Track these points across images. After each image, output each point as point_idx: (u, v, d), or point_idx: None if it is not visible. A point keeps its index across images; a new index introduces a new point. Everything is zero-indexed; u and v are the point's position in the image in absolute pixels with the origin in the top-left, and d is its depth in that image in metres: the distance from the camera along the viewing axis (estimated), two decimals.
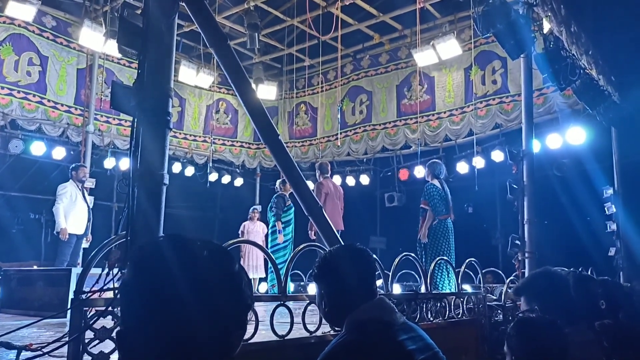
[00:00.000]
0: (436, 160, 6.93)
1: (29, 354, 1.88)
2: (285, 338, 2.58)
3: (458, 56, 9.62)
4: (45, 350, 1.88)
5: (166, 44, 2.02)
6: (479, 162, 9.51)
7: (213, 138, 11.69)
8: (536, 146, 6.30)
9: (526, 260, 5.09)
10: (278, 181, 7.62)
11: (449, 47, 9.33)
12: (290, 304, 2.70)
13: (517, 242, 5.17)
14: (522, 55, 5.51)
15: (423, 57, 9.70)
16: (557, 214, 8.43)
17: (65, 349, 1.90)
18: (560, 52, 5.31)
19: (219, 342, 0.91)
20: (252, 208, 9.34)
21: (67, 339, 1.90)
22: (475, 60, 9.67)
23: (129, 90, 2.01)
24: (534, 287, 2.48)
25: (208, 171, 11.37)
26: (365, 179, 11.27)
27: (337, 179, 10.61)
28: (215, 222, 12.55)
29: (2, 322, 4.18)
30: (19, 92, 8.79)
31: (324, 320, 2.73)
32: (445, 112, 10.17)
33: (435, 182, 6.15)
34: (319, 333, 2.75)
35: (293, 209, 7.17)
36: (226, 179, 11.87)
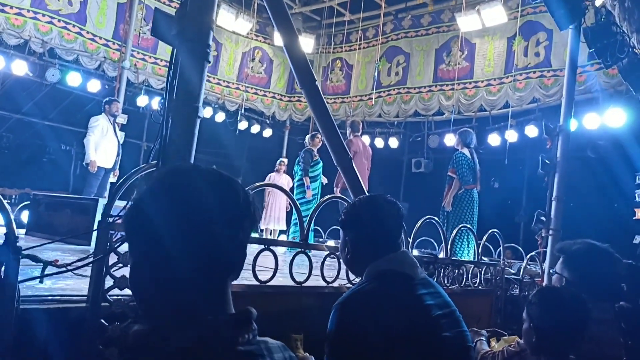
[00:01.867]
0: (468, 129, 6.78)
1: (53, 270, 1.92)
2: (303, 285, 2.61)
3: (502, 24, 9.31)
4: (69, 267, 1.93)
5: None
6: (511, 135, 9.31)
7: (246, 86, 11.65)
8: (573, 125, 6.10)
9: (550, 238, 5.01)
10: (307, 135, 7.59)
11: (495, 14, 9.02)
12: (310, 255, 2.72)
13: (543, 218, 5.08)
14: (570, 27, 5.27)
15: (466, 22, 9.42)
16: (586, 196, 8.24)
17: (89, 270, 1.95)
18: (611, 27, 5.07)
19: (227, 259, 0.95)
20: (279, 160, 9.37)
21: (91, 259, 1.94)
22: (520, 30, 9.33)
23: (170, 18, 1.98)
24: (575, 256, 2.44)
25: (238, 119, 11.40)
26: (394, 142, 11.15)
27: (366, 139, 10.54)
28: (241, 170, 12.65)
29: (28, 242, 4.33)
30: (59, 20, 8.81)
31: (341, 274, 2.77)
32: (482, 82, 9.91)
33: (465, 150, 6.05)
34: (335, 284, 2.78)
35: (321, 164, 7.15)
36: (255, 129, 11.89)
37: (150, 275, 0.92)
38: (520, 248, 7.20)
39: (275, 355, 0.95)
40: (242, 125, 11.54)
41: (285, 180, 8.84)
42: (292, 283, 2.58)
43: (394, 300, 1.68)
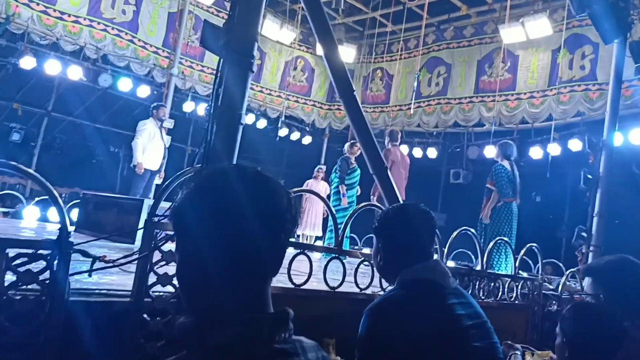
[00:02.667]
0: (509, 141, 6.68)
1: (101, 265, 2.03)
2: (336, 290, 2.65)
3: (547, 36, 9.15)
4: (116, 263, 2.03)
5: None
6: (554, 149, 9.10)
7: (287, 94, 11.83)
8: (618, 139, 5.94)
9: (590, 254, 4.89)
10: (346, 144, 7.63)
11: (539, 26, 8.87)
12: (345, 261, 2.76)
13: (584, 234, 4.96)
14: (615, 41, 5.16)
15: (510, 34, 9.30)
16: (631, 214, 7.97)
17: (133, 267, 2.05)
18: None
19: (268, 259, 0.98)
20: (317, 167, 9.44)
21: (137, 255, 2.04)
22: (565, 42, 9.14)
23: (218, 30, 2.08)
24: (606, 272, 2.40)
25: (279, 126, 11.58)
26: (432, 153, 11.07)
27: (404, 149, 10.51)
28: (280, 176, 12.81)
29: (77, 240, 4.54)
30: (112, 28, 9.22)
31: (374, 281, 2.80)
32: (525, 94, 9.74)
33: (505, 163, 5.95)
34: (368, 291, 2.80)
35: (358, 172, 7.18)
36: (295, 136, 12.04)
37: (194, 271, 0.96)
38: (560, 264, 7.02)
39: (309, 355, 0.98)
40: (283, 132, 11.71)
41: (322, 187, 8.91)
42: (325, 288, 2.63)
43: (424, 308, 1.70)
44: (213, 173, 1.01)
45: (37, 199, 7.14)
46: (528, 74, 9.73)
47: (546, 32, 8.96)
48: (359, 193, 7.29)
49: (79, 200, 6.18)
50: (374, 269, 2.51)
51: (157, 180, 7.28)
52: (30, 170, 1.99)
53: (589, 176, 5.01)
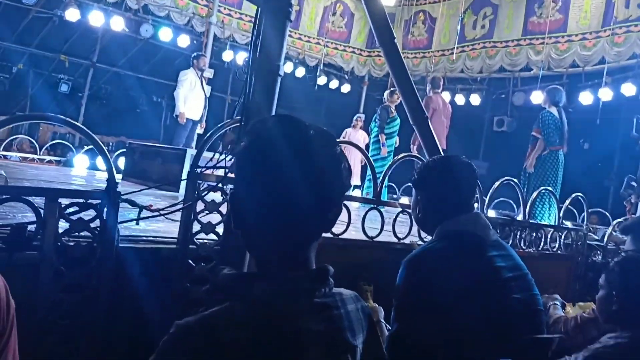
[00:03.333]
0: (557, 86, 6.39)
1: (148, 214, 2.11)
2: (374, 239, 2.68)
3: None
4: (162, 212, 2.11)
5: None
6: (606, 93, 8.67)
7: (326, 41, 11.60)
8: None
9: (639, 204, 4.73)
10: (386, 92, 7.49)
11: None
12: (383, 211, 2.77)
13: (634, 183, 4.78)
14: None
15: None
16: None
17: (178, 215, 2.12)
18: None
19: (317, 216, 0.98)
20: (356, 116, 9.35)
21: (181, 205, 2.11)
22: None
23: None
24: None
25: (318, 74, 11.43)
26: (475, 99, 10.74)
27: (446, 96, 10.27)
28: (319, 125, 12.80)
29: (124, 187, 4.72)
30: None
31: (413, 231, 2.81)
32: (577, 35, 9.20)
33: (553, 109, 5.72)
34: (406, 241, 2.82)
35: (398, 121, 7.07)
36: (334, 84, 11.88)
37: (247, 223, 0.98)
38: (607, 214, 6.86)
39: (348, 307, 1.02)
40: (321, 80, 11.57)
41: (361, 137, 8.85)
42: (364, 237, 2.66)
43: (463, 260, 1.70)
44: (281, 121, 0.99)
45: (86, 147, 7.41)
46: (580, 14, 9.15)
47: None
48: (397, 144, 7.21)
49: (125, 150, 6.38)
50: (412, 219, 2.52)
51: (199, 130, 7.39)
52: (78, 124, 2.06)
53: None
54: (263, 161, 0.94)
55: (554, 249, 3.93)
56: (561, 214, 4.15)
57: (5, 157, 7.00)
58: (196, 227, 2.08)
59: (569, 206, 4.42)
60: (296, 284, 0.95)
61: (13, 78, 11.00)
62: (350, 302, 1.04)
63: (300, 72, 11.32)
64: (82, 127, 2.04)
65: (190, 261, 2.05)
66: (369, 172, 6.22)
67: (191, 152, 4.89)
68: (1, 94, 10.95)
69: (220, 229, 2.11)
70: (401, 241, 2.80)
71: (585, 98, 9.00)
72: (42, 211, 1.72)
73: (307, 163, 0.94)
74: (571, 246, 4.17)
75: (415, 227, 2.75)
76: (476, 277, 1.68)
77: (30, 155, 7.50)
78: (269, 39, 2.00)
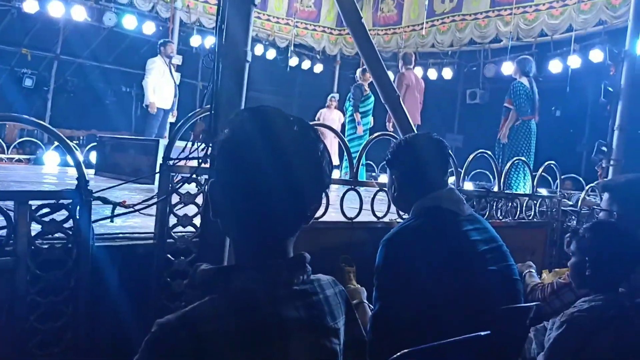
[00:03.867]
0: (527, 56, 6.46)
1: (122, 210, 2.08)
2: (354, 220, 2.70)
3: None
4: (136, 207, 2.08)
5: None
6: (574, 61, 8.78)
7: (295, 21, 11.46)
8: None
9: (610, 168, 4.84)
10: (358, 70, 7.47)
11: None
12: (361, 190, 2.78)
13: (604, 148, 4.88)
14: None
15: None
16: None
17: (154, 210, 2.10)
18: None
19: (296, 211, 0.99)
20: (330, 96, 9.31)
21: (156, 199, 2.09)
22: None
23: None
24: (624, 190, 2.39)
25: (289, 55, 11.32)
26: (447, 73, 10.78)
27: (418, 71, 10.30)
28: (293, 107, 12.72)
29: (97, 182, 4.64)
30: None
31: (391, 209, 2.83)
32: (544, 4, 9.22)
33: (524, 80, 5.78)
34: (386, 219, 2.85)
35: (372, 99, 7.07)
36: (306, 65, 11.79)
37: (224, 214, 0.99)
38: (581, 179, 7.01)
39: (327, 292, 1.04)
40: (293, 61, 11.46)
41: (336, 116, 8.83)
42: (343, 219, 2.68)
43: (439, 236, 1.73)
44: (257, 117, 0.98)
45: (56, 143, 7.24)
46: None
47: None
48: (372, 124, 7.23)
49: (95, 144, 6.26)
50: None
51: (171, 119, 7.29)
52: (44, 123, 2.01)
53: (610, 89, 4.84)
54: (241, 154, 0.94)
55: (530, 217, 4.01)
56: (535, 183, 4.22)
57: None
58: (173, 220, 2.05)
59: (543, 174, 4.51)
60: (275, 273, 0.96)
61: None
62: (329, 287, 1.06)
63: (271, 54, 11.19)
64: (47, 125, 1.99)
65: (169, 255, 2.04)
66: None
67: (163, 142, 4.81)
68: None
69: (197, 221, 2.10)
70: (381, 220, 2.82)
71: (555, 66, 9.10)
72: (12, 215, 1.68)
73: (285, 159, 0.94)
74: (546, 213, 4.26)
75: (393, 206, 2.78)
76: (452, 252, 1.72)
77: None
78: (233, 25, 1.96)
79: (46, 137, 9.83)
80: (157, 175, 2.14)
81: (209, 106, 2.08)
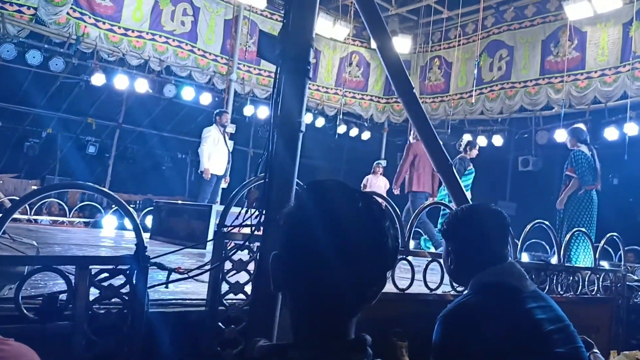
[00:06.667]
0: (579, 125, 6.35)
1: (176, 276, 2.10)
2: (405, 292, 2.61)
3: (617, 10, 8.64)
4: (190, 274, 2.09)
5: None
6: (631, 128, 8.55)
7: (344, 91, 11.81)
8: None
9: None
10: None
11: (607, 0, 8.38)
12: (412, 260, 2.71)
13: None
14: None
15: (575, 10, 8.84)
16: None
17: (206, 276, 2.10)
18: None
19: (357, 292, 0.94)
20: (376, 162, 9.38)
21: (209, 267, 2.10)
22: (637, 14, 8.54)
23: (274, 39, 2.10)
24: None
25: (337, 123, 11.59)
26: (498, 140, 10.70)
27: (467, 138, 10.34)
28: (340, 173, 12.85)
29: (153, 247, 4.75)
30: (173, 40, 9.61)
31: (445, 280, 2.73)
32: (596, 72, 9.20)
33: (584, 148, 5.62)
34: (439, 291, 2.74)
35: (473, 174, 7.07)
36: (354, 132, 12.01)
37: (290, 283, 0.96)
38: None
39: None
40: (341, 129, 11.73)
41: (382, 183, 8.83)
42: (394, 290, 2.59)
43: (501, 314, 1.63)
44: (324, 193, 0.97)
45: (114, 207, 7.53)
46: (598, 50, 9.18)
47: (615, 5, 8.47)
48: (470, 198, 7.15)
49: (152, 208, 6.46)
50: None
51: (224, 185, 7.48)
52: (106, 190, 2.09)
53: None
54: (302, 231, 0.93)
55: (593, 293, 3.78)
56: (597, 255, 4.01)
57: (35, 221, 7.14)
58: (225, 287, 2.05)
59: (605, 245, 4.29)
60: (332, 355, 0.92)
61: (43, 142, 11.38)
62: None
63: (320, 122, 11.49)
64: (109, 192, 2.07)
65: (220, 324, 2.02)
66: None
67: (216, 208, 4.93)
68: (32, 158, 11.31)
69: (248, 289, 2.09)
70: (433, 292, 2.72)
71: (611, 134, 8.89)
72: (73, 279, 1.72)
73: (347, 238, 0.91)
74: (610, 288, 4.02)
75: (447, 276, 2.68)
76: (516, 332, 1.61)
77: (60, 218, 7.64)
78: (289, 97, 2.03)
79: (105, 201, 10.27)
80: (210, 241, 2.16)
81: (263, 174, 2.12)
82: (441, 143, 2.62)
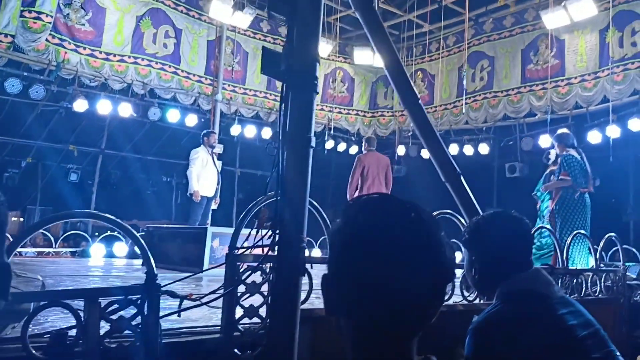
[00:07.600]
0: (563, 130, 6.46)
1: (189, 304, 2.02)
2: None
3: (593, 17, 8.86)
4: (203, 300, 2.01)
5: (314, 8, 2.03)
6: (613, 131, 8.70)
7: (330, 106, 11.85)
8: None
9: None
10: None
11: (583, 8, 8.61)
12: None
13: None
14: None
15: (553, 19, 9.04)
16: None
17: (219, 301, 2.03)
18: None
19: (416, 308, 0.87)
20: None
21: (222, 291, 2.02)
22: (613, 20, 8.79)
23: (277, 55, 2.06)
24: None
25: (325, 138, 11.60)
26: (484, 148, 10.82)
27: (454, 148, 10.51)
28: (329, 189, 12.81)
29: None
30: (156, 63, 9.51)
31: (456, 291, 2.69)
32: (576, 78, 9.39)
33: (573, 152, 5.70)
34: (450, 302, 2.70)
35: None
36: (341, 147, 12.05)
37: (345, 307, 0.89)
38: (633, 249, 6.72)
39: None
40: (329, 144, 11.76)
41: None
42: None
43: (533, 322, 1.58)
44: (372, 205, 0.91)
45: (101, 236, 7.36)
46: (576, 57, 9.38)
47: (591, 12, 8.66)
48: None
49: (143, 234, 6.32)
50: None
51: (214, 206, 7.38)
52: (112, 217, 2.01)
53: None
54: (354, 248, 0.86)
55: (596, 294, 3.79)
56: (597, 256, 4.04)
57: (20, 254, 6.93)
58: (239, 311, 1.98)
59: (596, 246, 4.32)
60: None
61: (22, 172, 11.14)
62: None
63: None
64: (117, 219, 2.00)
65: (235, 350, 1.94)
66: None
67: (211, 230, 4.83)
68: (11, 189, 11.02)
69: (262, 311, 2.01)
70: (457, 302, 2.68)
71: (594, 137, 9.03)
72: (82, 314, 1.63)
73: (403, 251, 0.84)
74: (612, 288, 4.03)
75: (457, 288, 2.64)
76: (550, 340, 1.56)
77: (46, 249, 7.43)
78: (297, 112, 1.98)
79: (90, 228, 10.05)
80: (206, 262, 2.11)
81: (273, 192, 2.06)
82: (449, 153, 2.60)
